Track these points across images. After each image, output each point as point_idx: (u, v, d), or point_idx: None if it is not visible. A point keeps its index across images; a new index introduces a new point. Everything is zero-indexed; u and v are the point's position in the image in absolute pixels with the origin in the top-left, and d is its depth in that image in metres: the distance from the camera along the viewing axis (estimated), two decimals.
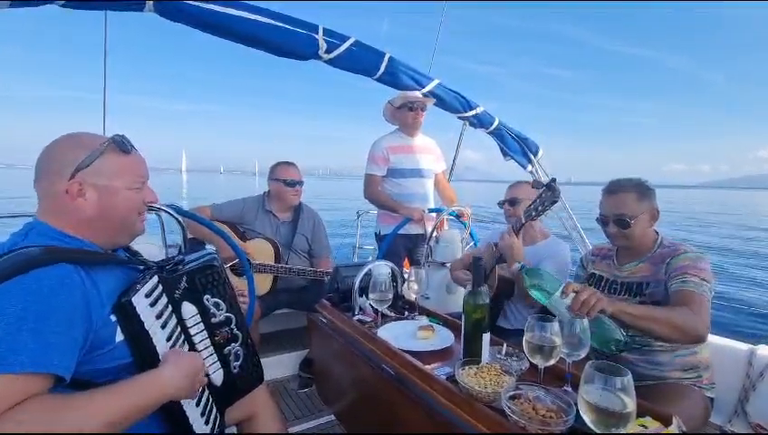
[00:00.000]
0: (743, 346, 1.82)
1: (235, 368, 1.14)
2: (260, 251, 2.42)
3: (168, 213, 1.93)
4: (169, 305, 1.00)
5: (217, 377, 1.10)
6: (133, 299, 0.90)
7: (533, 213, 1.61)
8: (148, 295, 0.94)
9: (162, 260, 1.08)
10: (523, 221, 1.67)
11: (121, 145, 0.96)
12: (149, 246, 1.96)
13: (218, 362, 1.10)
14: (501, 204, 2.07)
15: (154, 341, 0.93)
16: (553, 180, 1.56)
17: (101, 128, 2.29)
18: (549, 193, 1.56)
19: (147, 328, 0.92)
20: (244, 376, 1.17)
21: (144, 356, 0.92)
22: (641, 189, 1.52)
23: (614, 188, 1.55)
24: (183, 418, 0.98)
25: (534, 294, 1.27)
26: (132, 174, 0.98)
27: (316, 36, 2.05)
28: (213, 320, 1.09)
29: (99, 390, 0.80)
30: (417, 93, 2.66)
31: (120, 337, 0.90)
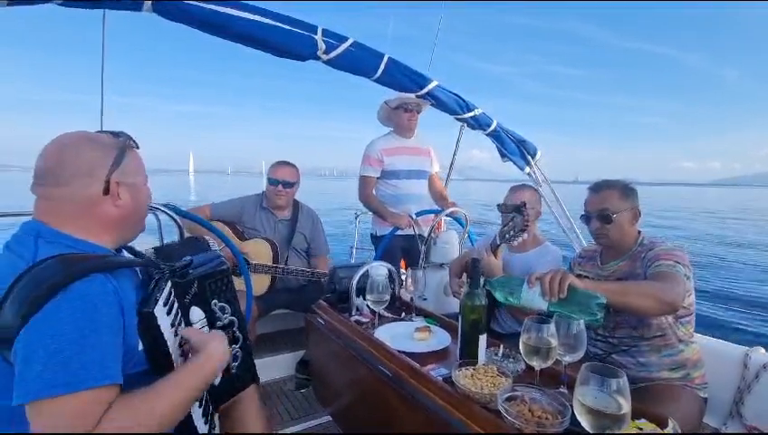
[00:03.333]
0: (738, 348, 1.82)
1: (233, 368, 1.15)
2: (258, 251, 2.42)
3: (166, 213, 1.93)
4: (179, 311, 1.01)
5: (217, 378, 1.10)
6: (155, 310, 0.90)
7: (507, 235, 1.62)
8: (165, 304, 0.95)
9: (167, 261, 1.05)
10: (498, 243, 1.66)
11: (133, 142, 0.98)
12: (146, 247, 1.95)
13: None
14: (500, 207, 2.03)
15: (170, 348, 0.93)
16: (523, 204, 1.57)
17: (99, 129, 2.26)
18: (519, 218, 1.57)
19: (165, 338, 0.92)
20: (240, 376, 1.18)
21: (161, 364, 0.91)
22: (625, 189, 1.59)
23: (598, 186, 1.63)
24: (188, 419, 0.97)
25: (508, 299, 1.27)
26: (143, 169, 1.01)
27: (315, 37, 2.04)
28: (218, 323, 1.10)
29: (169, 378, 0.85)
30: (412, 96, 2.67)
31: (141, 345, 0.89)
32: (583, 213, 1.65)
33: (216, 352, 0.94)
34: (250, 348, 1.22)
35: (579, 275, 1.75)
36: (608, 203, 1.56)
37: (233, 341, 1.14)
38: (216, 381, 1.10)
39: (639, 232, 1.62)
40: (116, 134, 0.97)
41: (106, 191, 0.90)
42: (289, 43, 2.00)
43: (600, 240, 1.64)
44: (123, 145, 0.95)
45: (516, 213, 1.56)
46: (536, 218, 1.98)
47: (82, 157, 0.89)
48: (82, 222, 0.89)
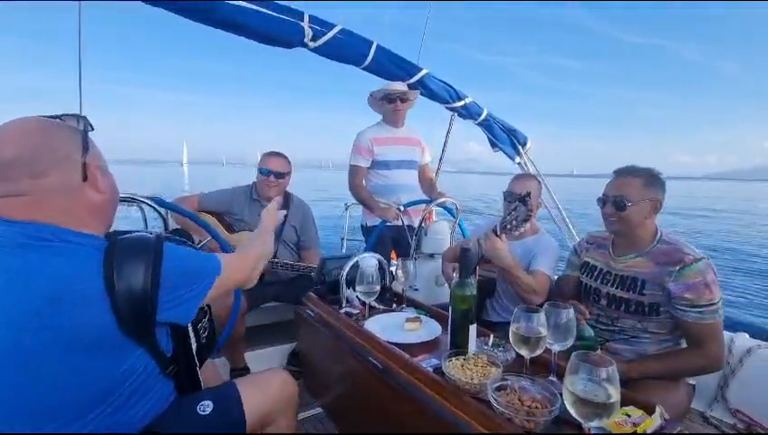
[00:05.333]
0: (723, 334, 1.85)
1: (203, 339, 1.24)
2: None
3: (150, 205, 1.89)
4: None
5: (192, 347, 1.18)
6: None
7: (508, 226, 1.58)
8: None
9: None
10: (498, 232, 1.62)
11: (90, 124, 0.90)
12: None
13: (194, 335, 1.18)
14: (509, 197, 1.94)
15: None
16: (528, 194, 1.54)
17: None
18: (522, 209, 1.53)
19: None
20: (207, 345, 1.28)
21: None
22: (651, 178, 1.49)
23: (624, 171, 1.54)
24: (196, 377, 1.14)
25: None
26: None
27: (302, 23, 2.00)
28: None
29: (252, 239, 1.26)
30: (400, 85, 2.63)
31: None
32: (601, 195, 1.57)
33: (271, 237, 1.31)
34: (212, 320, 1.32)
35: (586, 263, 1.70)
36: (626, 190, 1.48)
37: (202, 315, 1.22)
38: (195, 348, 1.19)
39: (657, 227, 1.54)
40: (61, 117, 0.89)
41: (85, 177, 0.85)
42: (275, 29, 1.96)
43: (610, 226, 1.57)
44: (84, 127, 0.88)
45: (520, 203, 1.53)
46: (537, 209, 1.97)
47: (55, 141, 0.82)
48: (72, 215, 0.83)
